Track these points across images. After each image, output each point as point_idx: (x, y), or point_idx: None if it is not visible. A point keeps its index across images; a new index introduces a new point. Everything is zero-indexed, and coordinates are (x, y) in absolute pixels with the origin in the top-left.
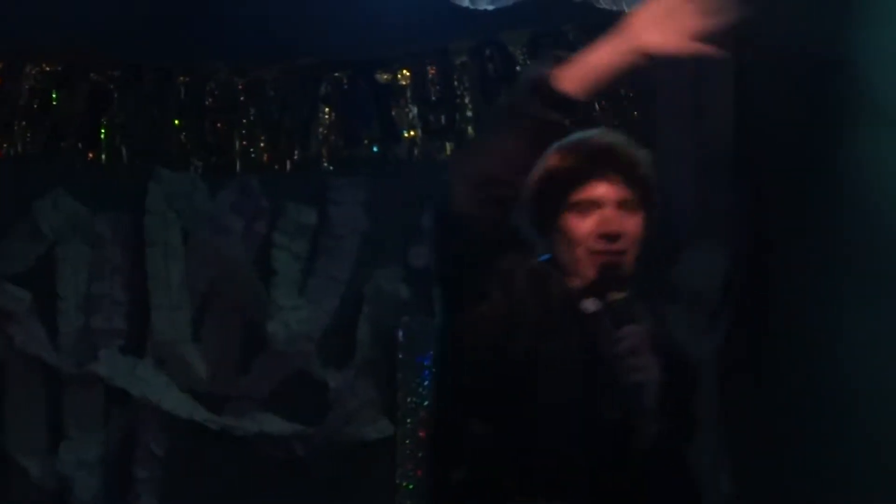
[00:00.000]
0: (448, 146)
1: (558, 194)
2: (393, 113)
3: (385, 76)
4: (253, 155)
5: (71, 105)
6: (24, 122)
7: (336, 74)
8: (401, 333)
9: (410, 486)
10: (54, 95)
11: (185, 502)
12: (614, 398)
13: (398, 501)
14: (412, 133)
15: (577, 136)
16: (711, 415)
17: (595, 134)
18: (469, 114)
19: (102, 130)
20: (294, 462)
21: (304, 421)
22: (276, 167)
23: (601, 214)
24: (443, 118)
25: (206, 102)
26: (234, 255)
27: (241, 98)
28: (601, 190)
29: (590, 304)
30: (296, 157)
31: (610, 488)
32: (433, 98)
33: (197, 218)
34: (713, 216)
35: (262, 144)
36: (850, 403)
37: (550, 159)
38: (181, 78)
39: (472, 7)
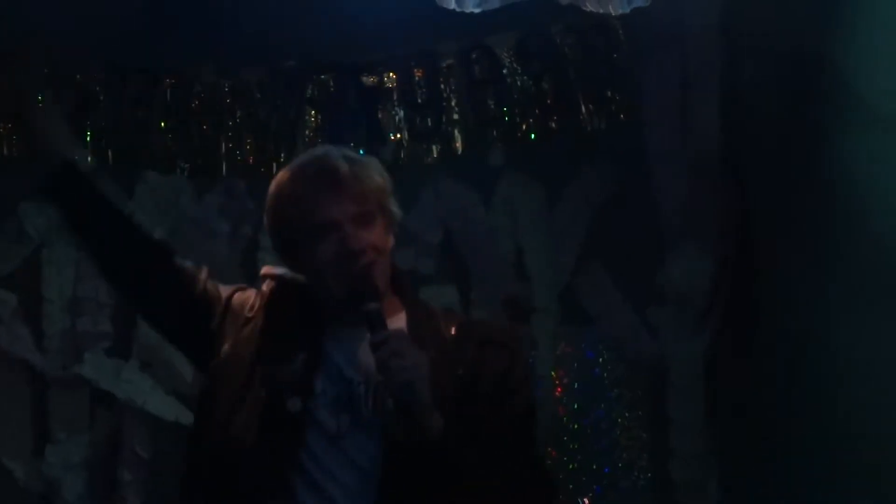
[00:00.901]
0: (435, 149)
1: (295, 217)
2: (379, 116)
3: (371, 79)
4: (239, 157)
5: (56, 108)
6: (9, 125)
7: (322, 77)
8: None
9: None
10: (40, 98)
11: None
12: (389, 404)
13: None
14: (398, 136)
15: (304, 158)
16: (698, 417)
17: (315, 155)
18: (455, 116)
19: (88, 133)
20: None
21: None
22: (263, 170)
23: (338, 236)
24: (429, 121)
25: (192, 105)
26: (220, 258)
27: (228, 101)
28: (334, 211)
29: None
30: (282, 160)
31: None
32: (419, 101)
33: (183, 221)
34: (700, 217)
35: (248, 147)
36: (838, 405)
37: (281, 186)
38: (167, 81)
39: (458, 10)
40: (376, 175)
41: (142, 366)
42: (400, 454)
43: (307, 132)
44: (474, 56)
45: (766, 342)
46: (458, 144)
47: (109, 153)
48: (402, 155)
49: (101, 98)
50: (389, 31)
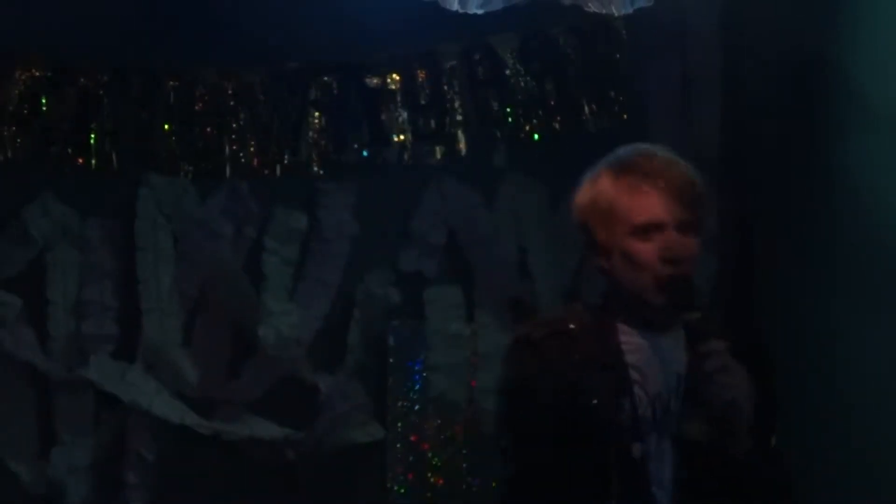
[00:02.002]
0: (438, 150)
1: (617, 217)
2: (382, 117)
3: (374, 80)
4: (242, 159)
5: (60, 110)
6: (13, 128)
7: (325, 79)
8: (391, 337)
9: (402, 490)
10: (43, 101)
11: None
12: (703, 421)
13: None
14: (402, 137)
15: (628, 153)
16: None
17: (646, 151)
18: (459, 117)
19: (92, 135)
20: (285, 466)
21: (294, 425)
22: (266, 171)
23: (664, 238)
24: (432, 122)
25: (196, 107)
26: (224, 259)
27: (231, 103)
28: (662, 213)
29: None
30: (285, 162)
31: None
32: (423, 102)
33: (187, 223)
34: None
35: (251, 149)
36: (838, 400)
37: (603, 181)
38: (170, 82)
39: (461, 11)
40: (702, 186)
41: (147, 368)
42: (702, 467)
43: (310, 134)
44: (477, 57)
45: (767, 340)
46: (462, 145)
47: (113, 156)
48: (406, 156)
49: (105, 100)
50: (392, 32)
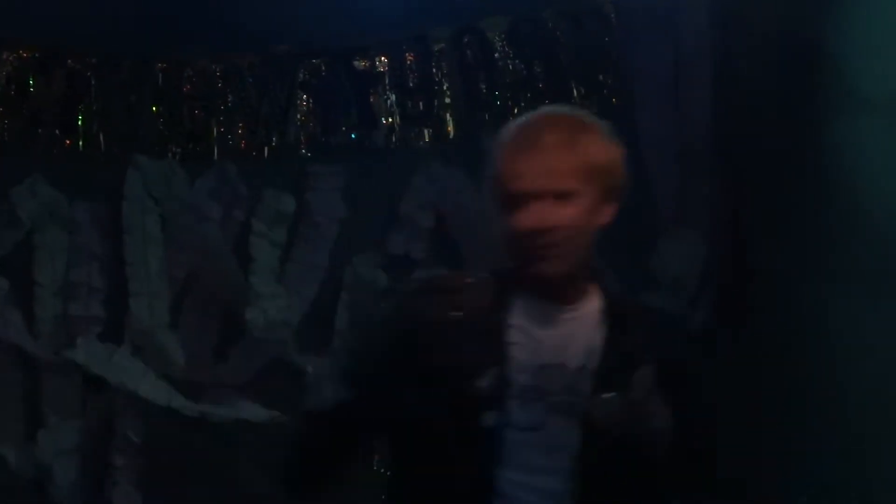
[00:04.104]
0: (426, 133)
1: (497, 182)
2: (371, 100)
3: (363, 63)
4: (231, 142)
5: (48, 92)
6: (0, 109)
7: (314, 61)
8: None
9: (389, 473)
10: (31, 83)
11: (163, 489)
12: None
13: (376, 487)
14: (390, 120)
15: (525, 119)
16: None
17: (538, 117)
18: (447, 101)
19: (80, 117)
20: (272, 449)
21: (282, 408)
22: (254, 154)
23: (536, 207)
24: (421, 105)
25: (184, 89)
26: (212, 242)
27: (219, 85)
28: (530, 183)
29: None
30: (274, 144)
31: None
32: (411, 85)
33: (175, 205)
34: (692, 203)
35: (239, 131)
36: (830, 390)
37: (499, 145)
38: (159, 65)
39: None
40: (601, 148)
41: (134, 350)
42: (599, 441)
43: (299, 116)
44: (466, 40)
45: (758, 327)
46: (450, 129)
47: (101, 138)
48: (394, 139)
49: (93, 83)
50: (381, 15)
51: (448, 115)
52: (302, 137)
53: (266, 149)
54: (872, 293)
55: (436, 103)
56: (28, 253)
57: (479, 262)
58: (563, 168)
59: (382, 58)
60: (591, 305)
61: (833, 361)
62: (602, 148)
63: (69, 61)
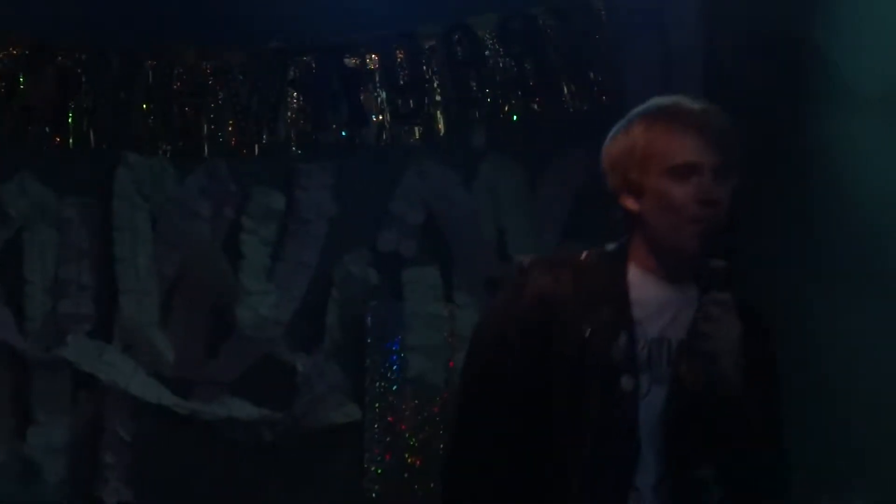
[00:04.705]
0: (417, 130)
1: (653, 158)
2: (361, 97)
3: (353, 60)
4: (221, 139)
5: (38, 89)
6: None
7: (304, 58)
8: (369, 318)
9: (379, 471)
10: (21, 79)
11: (152, 487)
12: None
13: (366, 486)
14: (381, 117)
15: (662, 101)
16: None
17: (681, 99)
18: (438, 98)
19: (70, 114)
20: (262, 446)
21: (272, 405)
22: (244, 151)
23: (699, 181)
24: (411, 102)
25: (174, 87)
26: (202, 239)
27: (209, 82)
28: (700, 155)
29: None
30: (264, 142)
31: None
32: (401, 82)
33: (165, 202)
34: None
35: (230, 128)
36: (817, 388)
37: (638, 127)
38: (149, 62)
39: None
40: (737, 134)
41: (124, 348)
42: (689, 398)
43: (289, 114)
44: (456, 37)
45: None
46: (441, 126)
47: (91, 134)
48: (384, 136)
49: (84, 79)
50: (371, 12)
51: (438, 112)
52: (292, 135)
53: (256, 146)
54: (860, 291)
55: (426, 101)
56: (18, 250)
57: (470, 260)
58: (724, 143)
59: (373, 55)
60: (693, 289)
61: (819, 359)
62: (735, 129)
63: (59, 58)
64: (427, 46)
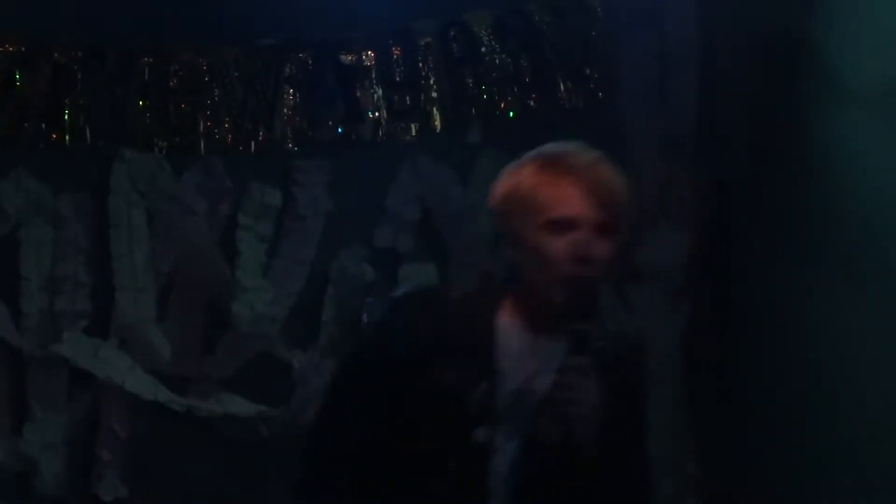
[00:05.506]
0: (413, 127)
1: (534, 209)
2: (357, 94)
3: (349, 57)
4: (217, 136)
5: (34, 86)
6: None
7: (300, 55)
8: (365, 314)
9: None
10: (17, 76)
11: (149, 484)
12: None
13: None
14: (376, 114)
15: (555, 148)
16: (675, 396)
17: (573, 148)
18: (434, 95)
19: (66, 111)
20: (258, 443)
21: (268, 402)
22: (241, 148)
23: (576, 237)
24: (407, 99)
25: (170, 83)
26: (198, 236)
27: (205, 79)
28: (580, 210)
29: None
30: (260, 138)
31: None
32: (397, 79)
33: (161, 199)
34: (677, 197)
35: (226, 125)
36: (814, 385)
37: (525, 171)
38: (145, 59)
39: None
40: (626, 191)
41: (120, 344)
42: (542, 456)
43: (285, 111)
44: (452, 34)
45: (742, 321)
46: (437, 122)
47: (87, 131)
48: (381, 133)
49: (79, 76)
50: (367, 9)
51: (434, 109)
52: (288, 131)
53: (252, 143)
54: (858, 289)
55: (422, 97)
56: (14, 247)
57: (466, 256)
58: (608, 199)
59: (369, 52)
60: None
61: (818, 350)
62: (624, 185)
63: (55, 55)
64: (423, 43)
